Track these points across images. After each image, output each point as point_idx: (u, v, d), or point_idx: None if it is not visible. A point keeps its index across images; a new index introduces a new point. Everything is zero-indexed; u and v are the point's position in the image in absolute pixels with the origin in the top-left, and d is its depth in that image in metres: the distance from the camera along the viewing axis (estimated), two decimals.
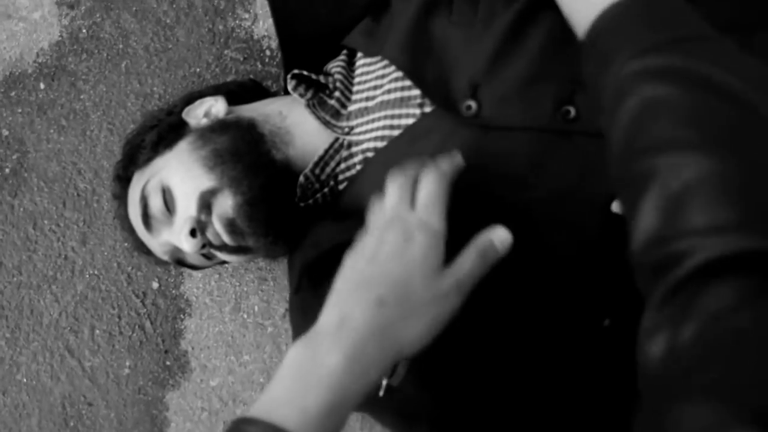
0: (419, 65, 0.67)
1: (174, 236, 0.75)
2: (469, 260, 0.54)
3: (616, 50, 0.44)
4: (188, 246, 0.73)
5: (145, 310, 1.05)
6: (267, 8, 0.98)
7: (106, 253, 1.06)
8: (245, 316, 1.02)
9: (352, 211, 0.72)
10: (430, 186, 0.57)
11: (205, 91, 0.86)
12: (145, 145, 0.80)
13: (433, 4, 0.69)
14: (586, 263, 0.63)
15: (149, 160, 0.79)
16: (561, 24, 0.57)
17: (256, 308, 1.02)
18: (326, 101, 0.78)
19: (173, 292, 1.05)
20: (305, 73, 0.79)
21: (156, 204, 0.75)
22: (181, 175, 0.74)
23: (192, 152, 0.74)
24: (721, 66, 0.40)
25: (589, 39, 0.48)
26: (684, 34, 0.43)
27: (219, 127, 0.75)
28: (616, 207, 0.60)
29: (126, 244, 1.05)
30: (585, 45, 0.49)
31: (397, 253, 0.53)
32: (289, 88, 0.78)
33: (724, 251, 0.32)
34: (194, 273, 1.04)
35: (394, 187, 0.59)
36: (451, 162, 0.60)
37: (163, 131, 0.79)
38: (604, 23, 0.47)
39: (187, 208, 0.73)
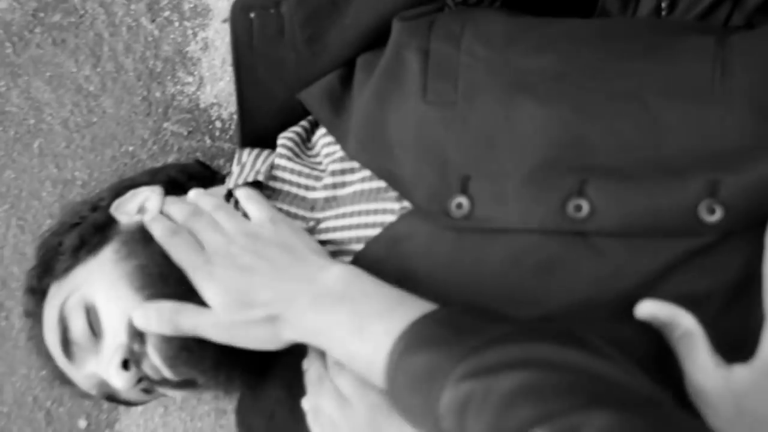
0: (391, 161, 0.63)
1: (102, 368, 0.67)
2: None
3: (436, 368, 0.49)
4: (120, 382, 0.65)
5: None
6: (215, 70, 0.90)
7: (18, 385, 0.93)
8: None
9: None
10: None
11: (138, 179, 0.78)
12: (63, 250, 0.71)
13: (396, 81, 0.65)
14: None
15: (69, 269, 0.70)
16: (564, 94, 0.58)
17: None
18: (276, 188, 0.71)
19: None
20: (257, 151, 0.74)
21: (78, 327, 0.67)
22: (106, 293, 0.66)
23: (116, 264, 0.67)
24: (540, 347, 0.47)
25: (391, 372, 0.53)
26: (493, 334, 0.49)
27: (143, 237, 0.67)
28: (641, 312, 0.55)
29: (44, 372, 0.89)
30: (388, 384, 0.53)
31: None
32: (236, 171, 0.72)
33: None
34: (132, 407, 0.90)
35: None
36: None
37: (86, 232, 0.71)
38: (400, 357, 0.52)
39: (116, 334, 0.65)
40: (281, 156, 0.71)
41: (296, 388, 0.65)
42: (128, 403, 0.75)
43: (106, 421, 0.91)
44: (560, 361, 0.46)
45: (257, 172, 0.69)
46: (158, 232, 0.65)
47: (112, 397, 0.72)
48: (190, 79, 0.92)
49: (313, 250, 0.63)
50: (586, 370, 0.46)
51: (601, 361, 0.46)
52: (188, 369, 0.64)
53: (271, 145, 0.74)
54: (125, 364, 0.64)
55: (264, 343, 0.61)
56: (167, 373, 0.64)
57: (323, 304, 0.58)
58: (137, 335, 0.64)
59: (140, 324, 0.61)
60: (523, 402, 0.43)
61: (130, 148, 0.92)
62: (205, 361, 0.64)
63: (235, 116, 0.89)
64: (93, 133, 0.92)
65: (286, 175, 0.70)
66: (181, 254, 0.63)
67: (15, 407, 0.93)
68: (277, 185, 0.70)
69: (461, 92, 0.61)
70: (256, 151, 0.74)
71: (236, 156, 0.74)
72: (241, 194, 0.67)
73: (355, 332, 0.56)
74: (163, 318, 0.61)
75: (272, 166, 0.70)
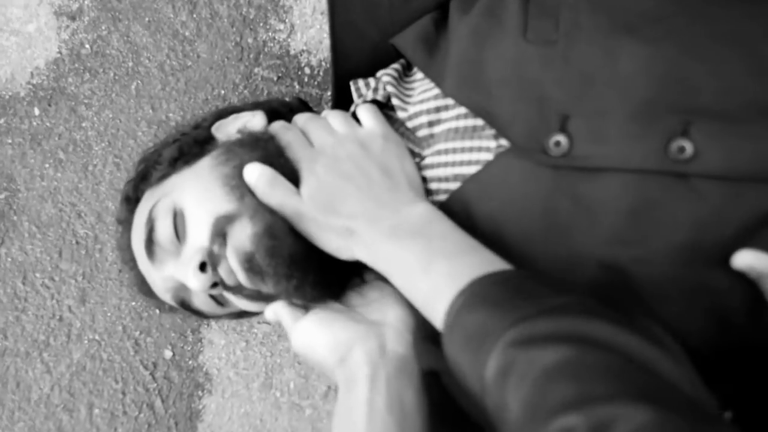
0: (489, 99, 0.61)
1: (180, 270, 0.67)
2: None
3: (487, 330, 0.48)
4: (196, 282, 0.64)
5: (155, 384, 0.94)
6: (306, 18, 0.89)
7: (109, 314, 0.95)
8: (278, 394, 0.91)
9: None
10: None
11: (241, 106, 0.77)
12: (161, 161, 0.72)
13: (495, 20, 0.63)
14: (702, 340, 0.56)
15: (164, 177, 0.71)
16: (668, 35, 0.56)
17: (291, 385, 0.91)
18: (392, 116, 0.70)
19: (190, 363, 0.93)
20: (367, 80, 0.72)
21: (164, 229, 0.67)
22: (197, 196, 0.66)
23: (213, 168, 0.67)
24: (594, 324, 0.45)
25: (448, 325, 0.52)
26: (549, 304, 0.48)
27: (250, 141, 0.68)
28: (739, 262, 0.52)
29: (133, 304, 0.93)
30: (444, 332, 0.53)
31: None
32: (355, 95, 0.71)
33: None
34: (216, 341, 0.92)
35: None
36: None
37: (185, 145, 0.71)
38: (458, 312, 0.52)
39: (198, 237, 0.65)
40: (393, 87, 0.69)
41: None
42: (199, 314, 0.74)
43: (190, 353, 0.92)
44: (611, 341, 0.44)
45: (375, 90, 0.69)
46: (275, 126, 0.67)
47: (184, 304, 0.71)
48: (281, 26, 0.91)
49: (409, 180, 0.63)
50: (634, 355, 0.44)
51: (654, 349, 0.44)
52: (262, 274, 0.63)
53: None
54: (203, 267, 0.64)
55: (334, 249, 0.62)
56: (242, 278, 0.64)
57: (400, 234, 0.58)
58: (219, 236, 0.63)
59: (248, 174, 0.63)
60: (562, 380, 0.42)
61: (222, 92, 0.92)
62: (279, 268, 0.63)
63: (323, 63, 0.89)
64: (187, 77, 0.93)
65: (398, 106, 0.69)
66: (291, 143, 0.65)
67: (106, 335, 0.94)
68: (393, 114, 0.69)
69: (563, 31, 0.60)
70: (365, 81, 0.73)
71: (352, 87, 0.73)
72: (363, 108, 0.68)
73: (421, 267, 0.56)
74: (261, 180, 0.62)
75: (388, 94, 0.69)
